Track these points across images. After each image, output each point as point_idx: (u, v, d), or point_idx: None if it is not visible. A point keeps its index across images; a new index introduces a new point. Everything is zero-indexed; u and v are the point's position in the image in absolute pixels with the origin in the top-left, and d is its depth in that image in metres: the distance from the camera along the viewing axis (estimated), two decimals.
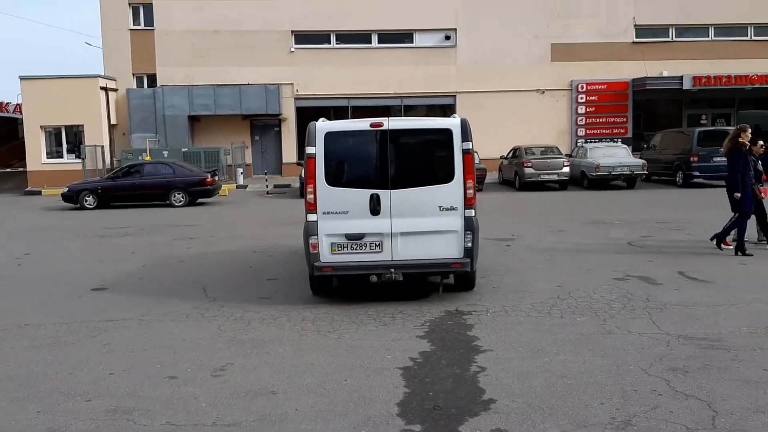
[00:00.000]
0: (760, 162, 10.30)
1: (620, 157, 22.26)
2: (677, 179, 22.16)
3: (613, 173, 21.56)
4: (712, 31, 28.73)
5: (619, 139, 27.31)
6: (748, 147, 9.70)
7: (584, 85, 28.42)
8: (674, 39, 28.71)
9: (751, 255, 9.50)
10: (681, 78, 26.90)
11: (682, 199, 18.59)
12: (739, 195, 9.57)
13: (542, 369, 5.18)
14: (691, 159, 21.34)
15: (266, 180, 24.47)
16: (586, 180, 22.07)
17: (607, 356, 5.42)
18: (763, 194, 9.88)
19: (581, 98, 28.50)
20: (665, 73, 27.54)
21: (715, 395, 4.55)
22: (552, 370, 5.13)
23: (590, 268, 8.96)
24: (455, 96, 28.35)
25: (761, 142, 10.42)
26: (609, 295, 7.42)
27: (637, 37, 28.47)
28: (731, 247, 9.90)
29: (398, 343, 5.94)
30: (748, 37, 28.83)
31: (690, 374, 4.96)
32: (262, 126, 29.10)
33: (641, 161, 22.17)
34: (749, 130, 9.77)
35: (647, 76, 27.40)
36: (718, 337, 5.82)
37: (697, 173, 21.38)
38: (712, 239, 10.21)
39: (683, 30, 28.72)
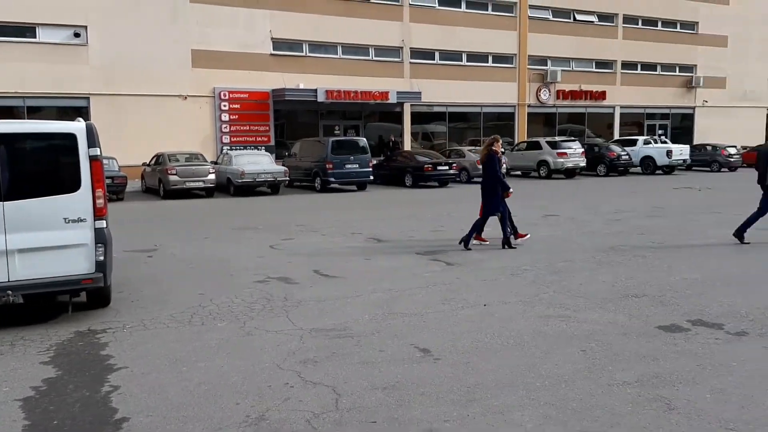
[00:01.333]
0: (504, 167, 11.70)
1: (264, 164, 23.18)
2: (316, 185, 23.91)
3: (257, 180, 22.33)
4: (340, 49, 31.63)
5: (263, 147, 28.42)
6: (500, 154, 10.96)
7: (226, 93, 28.88)
8: (308, 54, 30.87)
9: (515, 247, 10.65)
10: (315, 91, 29.12)
11: (320, 203, 20.09)
12: (511, 192, 10.76)
13: (180, 379, 5.09)
14: (327, 166, 23.23)
15: None
16: (232, 187, 22.46)
17: (245, 357, 5.56)
18: (508, 194, 11.17)
19: (224, 105, 28.91)
20: (301, 86, 29.49)
21: (338, 380, 4.98)
22: (190, 379, 5.08)
23: (233, 274, 9.11)
24: (89, 98, 26.40)
25: (503, 150, 11.90)
26: (250, 298, 7.63)
27: (274, 50, 29.93)
28: (488, 242, 11.00)
29: (18, 373, 5.27)
30: (371, 58, 32.44)
31: (319, 363, 5.35)
32: None
33: (283, 168, 23.39)
34: (501, 140, 11.18)
35: (285, 87, 29.01)
36: (344, 327, 6.39)
37: (332, 179, 23.34)
38: (505, 244, 10.83)
39: (316, 46, 31.06)
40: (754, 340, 5.81)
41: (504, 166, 12.16)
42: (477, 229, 10.96)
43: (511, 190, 11.06)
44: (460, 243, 10.84)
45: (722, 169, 32.42)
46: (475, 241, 10.99)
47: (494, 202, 10.77)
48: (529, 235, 11.42)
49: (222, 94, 28.81)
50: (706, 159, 33.00)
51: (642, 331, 6.13)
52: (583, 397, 4.59)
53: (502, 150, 12.25)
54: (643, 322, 6.40)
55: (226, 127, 29.12)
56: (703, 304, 7.04)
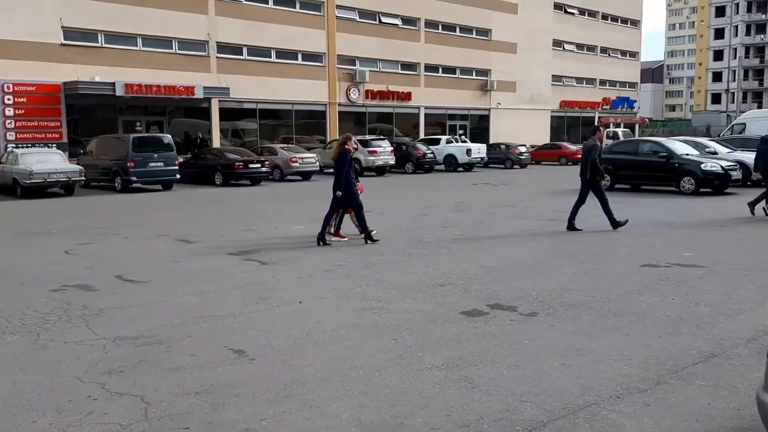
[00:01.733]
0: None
1: (56, 163, 21.39)
2: (116, 184, 22.49)
3: (48, 180, 20.53)
4: (140, 41, 29.91)
5: (55, 144, 26.09)
6: (352, 151, 11.03)
7: (11, 86, 26.11)
8: (104, 45, 28.83)
9: (329, 244, 10.80)
10: (113, 84, 27.28)
11: (121, 204, 18.94)
12: (340, 193, 10.69)
13: None
14: (128, 165, 21.93)
15: None
16: (19, 188, 20.44)
17: (40, 372, 5.09)
18: (360, 190, 11.22)
19: (8, 99, 26.11)
20: (97, 79, 27.47)
21: (147, 388, 4.73)
22: None
23: (24, 283, 8.31)
24: None
25: (355, 147, 11.74)
26: (44, 309, 6.99)
27: (66, 40, 27.58)
28: (346, 239, 11.03)
29: None
30: (174, 50, 31.03)
31: (125, 373, 5.05)
32: None
33: (78, 167, 21.73)
34: (353, 138, 11.36)
35: (79, 80, 26.87)
36: (152, 333, 6.08)
37: (135, 178, 22.11)
38: (321, 240, 10.76)
39: (113, 37, 29.07)
40: (543, 320, 6.41)
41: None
42: (363, 222, 11.11)
43: (338, 193, 10.80)
44: (368, 240, 10.94)
45: (514, 166, 35.31)
46: (376, 239, 11.01)
47: (352, 197, 10.94)
48: (347, 239, 11.32)
49: (5, 86, 25.98)
50: (501, 157, 35.77)
51: (447, 317, 6.52)
52: (395, 384, 4.78)
53: (355, 147, 12.31)
54: (449, 309, 6.80)
55: (10, 123, 26.32)
56: (500, 289, 7.64)
